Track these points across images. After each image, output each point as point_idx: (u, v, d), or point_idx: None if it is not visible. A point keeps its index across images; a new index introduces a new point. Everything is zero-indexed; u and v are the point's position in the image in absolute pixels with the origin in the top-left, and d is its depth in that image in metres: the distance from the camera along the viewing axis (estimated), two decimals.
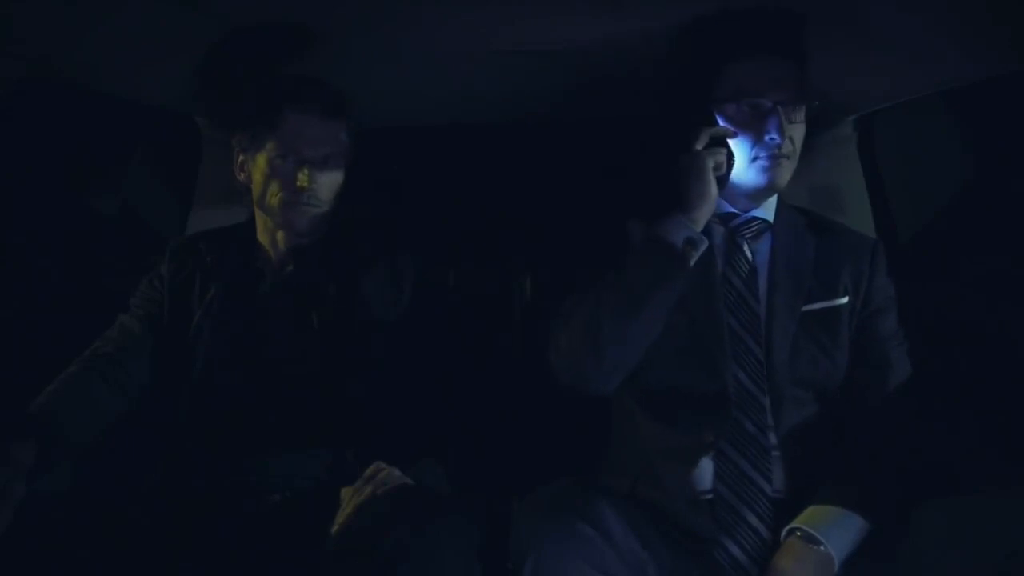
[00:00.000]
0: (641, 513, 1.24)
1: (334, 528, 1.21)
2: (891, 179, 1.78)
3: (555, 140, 2.00)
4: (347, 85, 1.44)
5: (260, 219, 1.50)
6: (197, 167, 1.87)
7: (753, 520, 1.24)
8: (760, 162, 1.32)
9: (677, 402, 1.32)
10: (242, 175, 1.48)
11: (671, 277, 1.28)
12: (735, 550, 1.23)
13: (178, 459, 1.44)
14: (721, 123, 1.34)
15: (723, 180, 1.33)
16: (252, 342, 1.44)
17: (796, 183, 1.71)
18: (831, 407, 1.33)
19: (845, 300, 1.35)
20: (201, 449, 1.41)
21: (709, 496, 1.27)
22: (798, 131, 1.33)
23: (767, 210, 1.40)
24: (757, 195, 1.37)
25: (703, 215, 1.29)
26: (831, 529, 1.18)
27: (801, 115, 1.33)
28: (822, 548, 1.16)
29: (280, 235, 1.48)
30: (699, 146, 1.31)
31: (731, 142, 1.33)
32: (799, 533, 1.19)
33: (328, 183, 1.43)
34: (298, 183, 1.39)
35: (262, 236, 1.50)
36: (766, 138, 1.30)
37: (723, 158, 1.31)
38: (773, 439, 1.29)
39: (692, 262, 1.28)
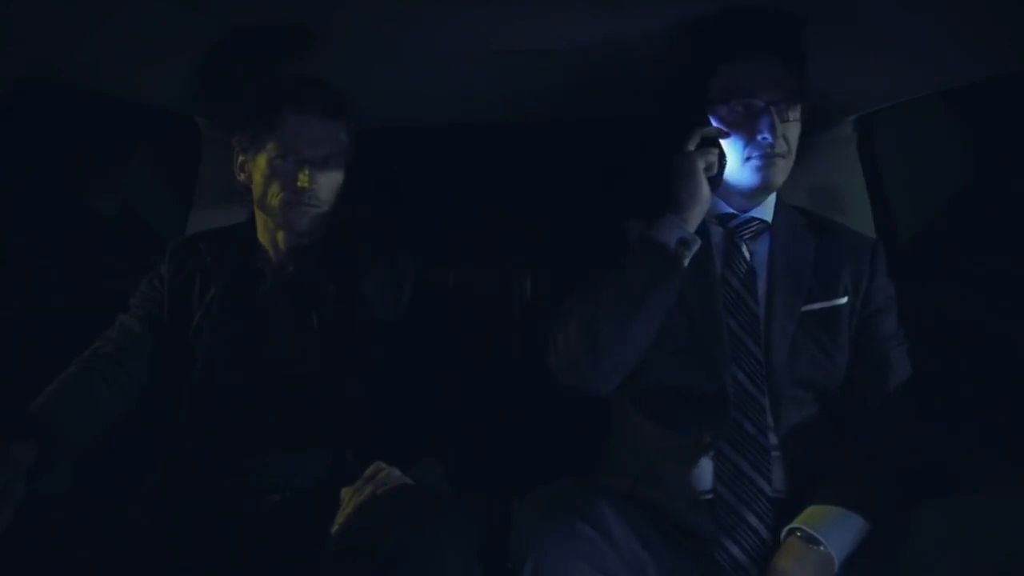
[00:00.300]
0: (641, 513, 1.24)
1: (334, 528, 1.21)
2: (891, 179, 1.78)
3: (555, 140, 2.00)
4: (347, 85, 1.44)
5: (260, 219, 1.49)
6: (197, 167, 1.87)
7: (753, 520, 1.24)
8: (754, 162, 1.33)
9: (676, 402, 1.32)
10: (242, 175, 1.47)
11: (666, 277, 1.28)
12: (735, 550, 1.23)
13: (178, 459, 1.44)
14: (715, 123, 1.34)
15: (716, 180, 1.34)
16: (252, 342, 1.44)
17: (796, 183, 1.71)
18: (831, 407, 1.33)
19: (845, 300, 1.35)
20: (201, 449, 1.41)
21: (709, 496, 1.27)
22: (792, 130, 1.34)
23: (765, 210, 1.40)
24: (753, 195, 1.38)
25: (695, 215, 1.31)
26: (831, 529, 1.18)
27: (796, 114, 1.33)
28: (822, 548, 1.16)
29: (280, 235, 1.47)
30: (690, 147, 1.32)
31: (725, 142, 1.33)
32: (799, 533, 1.19)
33: (328, 183, 1.43)
34: (298, 183, 1.39)
35: (262, 236, 1.50)
36: (759, 138, 1.31)
37: (714, 158, 1.32)
38: (773, 439, 1.29)
39: (686, 262, 1.29)
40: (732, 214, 1.39)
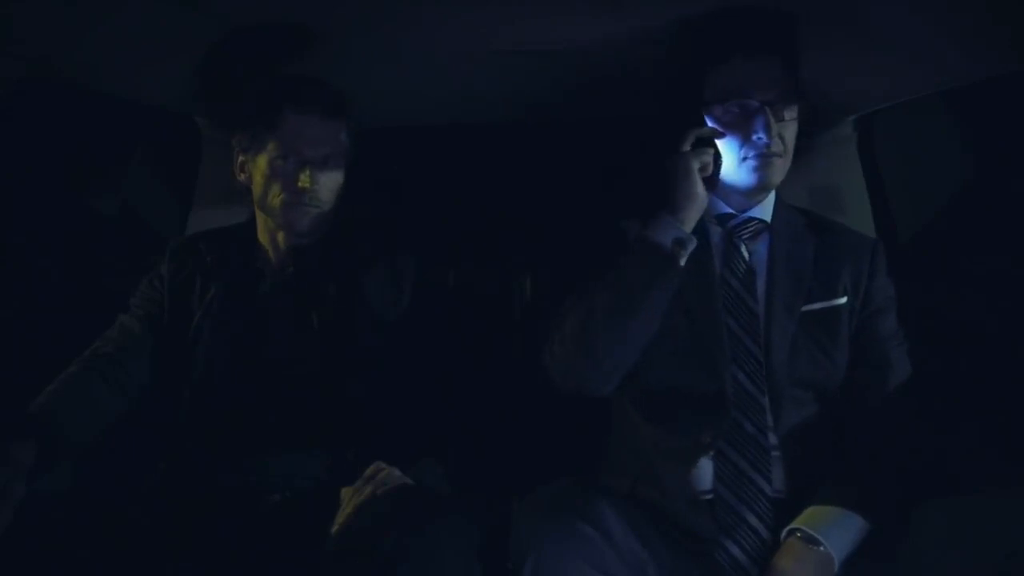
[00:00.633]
0: (641, 513, 1.24)
1: (334, 528, 1.21)
2: (891, 179, 1.78)
3: (555, 140, 2.00)
4: (347, 85, 1.44)
5: (261, 219, 1.49)
6: (197, 167, 1.87)
7: (753, 520, 1.24)
8: (750, 162, 1.33)
9: (676, 403, 1.32)
10: (242, 175, 1.47)
11: (663, 277, 1.29)
12: (735, 550, 1.22)
13: (178, 459, 1.44)
14: (711, 123, 1.35)
15: (712, 180, 1.34)
16: (252, 342, 1.44)
17: (796, 183, 1.71)
18: (831, 407, 1.33)
19: (844, 300, 1.35)
20: (201, 449, 1.41)
21: (709, 496, 1.27)
22: (789, 129, 1.33)
23: (764, 210, 1.40)
24: (751, 194, 1.38)
25: (691, 215, 1.31)
26: (831, 529, 1.18)
27: (792, 113, 1.33)
28: (822, 548, 1.16)
29: (281, 235, 1.47)
30: (685, 147, 1.32)
31: (721, 142, 1.34)
32: (799, 534, 1.19)
33: (329, 183, 1.43)
34: (300, 184, 1.39)
35: (262, 236, 1.50)
36: (754, 138, 1.31)
37: (709, 158, 1.33)
38: (773, 439, 1.29)
39: (682, 261, 1.30)
40: (731, 214, 1.39)
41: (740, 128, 1.32)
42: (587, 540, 1.10)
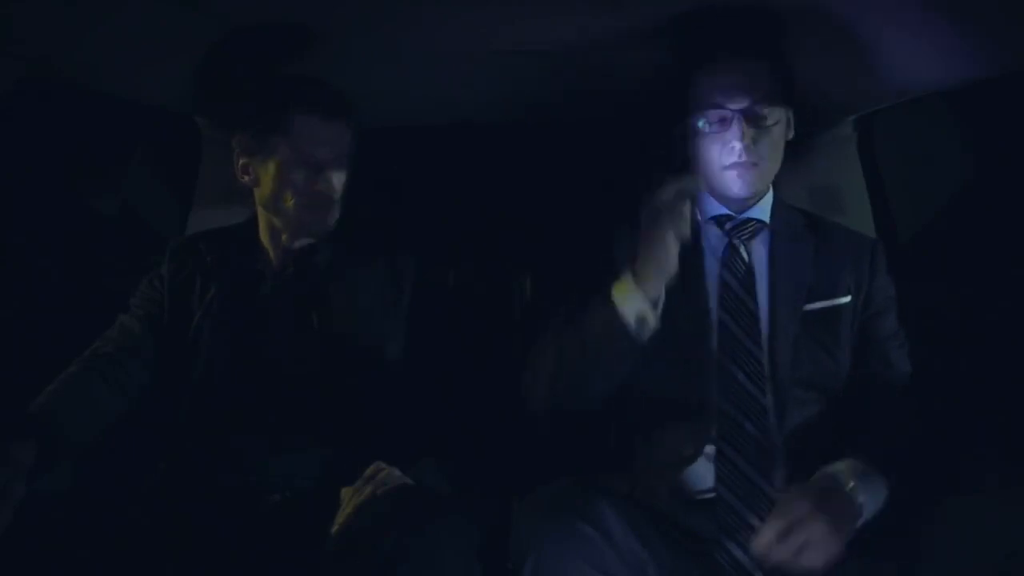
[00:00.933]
0: (641, 513, 1.23)
1: (334, 528, 1.21)
2: (891, 179, 1.78)
3: (554, 141, 2.00)
4: (347, 85, 1.44)
5: (263, 219, 1.49)
6: (197, 167, 1.87)
7: (755, 522, 1.23)
8: (729, 171, 1.33)
9: (675, 404, 1.32)
10: (246, 177, 1.46)
11: (624, 345, 1.23)
12: (737, 552, 1.22)
13: (178, 459, 1.44)
14: (695, 129, 1.33)
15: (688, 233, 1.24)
16: (252, 342, 1.44)
17: (796, 183, 1.71)
18: (833, 407, 1.33)
19: (847, 299, 1.35)
20: (201, 449, 1.41)
21: (710, 496, 1.27)
22: (768, 137, 1.32)
23: (763, 210, 1.40)
24: (738, 200, 1.37)
25: (658, 284, 1.22)
26: (859, 482, 1.13)
27: (774, 119, 1.32)
28: (850, 495, 1.11)
29: (285, 236, 1.47)
30: (663, 199, 1.20)
31: (702, 149, 1.33)
32: (825, 475, 1.14)
33: (341, 184, 1.43)
34: (317, 186, 1.39)
35: (264, 237, 1.50)
36: (729, 147, 1.30)
37: (687, 216, 1.21)
38: (774, 440, 1.28)
39: (646, 335, 1.22)
40: (729, 215, 1.39)
41: (716, 136, 1.32)
42: (587, 540, 1.10)
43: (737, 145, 1.30)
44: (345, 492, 1.25)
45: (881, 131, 1.79)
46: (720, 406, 1.30)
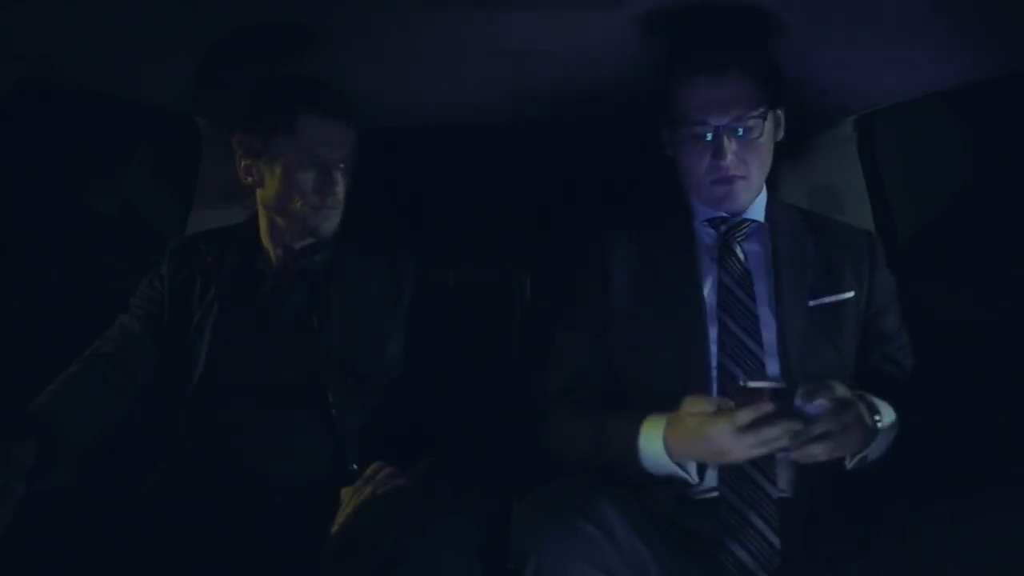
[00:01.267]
0: (643, 513, 1.23)
1: (334, 528, 1.21)
2: (891, 179, 1.78)
3: (555, 140, 2.00)
4: (348, 85, 1.44)
5: (265, 220, 1.49)
6: (197, 167, 1.87)
7: (758, 522, 1.23)
8: (715, 186, 1.33)
9: (677, 404, 1.32)
10: (249, 178, 1.45)
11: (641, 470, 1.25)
12: (740, 553, 1.22)
13: (178, 459, 1.43)
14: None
15: None
16: (252, 343, 1.44)
17: (796, 183, 1.71)
18: None
19: (851, 294, 1.35)
20: (201, 449, 1.41)
21: (713, 496, 1.27)
22: (753, 148, 1.32)
23: (756, 211, 1.40)
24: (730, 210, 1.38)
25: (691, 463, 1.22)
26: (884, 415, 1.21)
27: (755, 132, 1.31)
28: (874, 423, 1.18)
29: (287, 236, 1.47)
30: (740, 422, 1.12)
31: (684, 161, 1.33)
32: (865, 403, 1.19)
33: (346, 185, 1.43)
34: (326, 188, 1.39)
35: (264, 237, 1.50)
36: (713, 163, 1.30)
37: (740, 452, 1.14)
38: None
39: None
40: (723, 217, 1.39)
41: (699, 151, 1.31)
42: (588, 539, 1.10)
43: (722, 161, 1.30)
44: (345, 492, 1.25)
45: (881, 131, 1.79)
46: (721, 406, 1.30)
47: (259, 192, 1.45)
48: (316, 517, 1.26)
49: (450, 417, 1.46)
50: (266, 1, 1.33)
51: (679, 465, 1.21)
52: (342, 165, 1.41)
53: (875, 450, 1.21)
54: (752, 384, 1.14)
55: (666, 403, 1.30)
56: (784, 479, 1.27)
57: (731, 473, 1.26)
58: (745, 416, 1.10)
